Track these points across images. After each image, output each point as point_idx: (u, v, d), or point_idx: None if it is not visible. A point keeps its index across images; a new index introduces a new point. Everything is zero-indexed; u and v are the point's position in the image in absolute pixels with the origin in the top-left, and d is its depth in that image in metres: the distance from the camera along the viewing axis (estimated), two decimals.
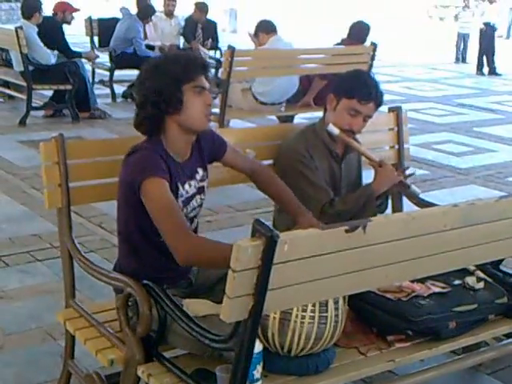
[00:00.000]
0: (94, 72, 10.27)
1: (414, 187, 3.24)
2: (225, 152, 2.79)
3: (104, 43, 10.29)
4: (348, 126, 3.08)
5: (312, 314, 2.28)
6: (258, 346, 2.17)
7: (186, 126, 2.55)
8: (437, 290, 2.72)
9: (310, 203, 2.92)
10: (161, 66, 2.51)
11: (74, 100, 8.44)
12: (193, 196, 2.63)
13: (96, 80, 10.27)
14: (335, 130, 3.09)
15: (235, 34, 20.88)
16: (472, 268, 2.90)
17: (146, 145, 2.54)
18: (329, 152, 3.16)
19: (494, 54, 14.87)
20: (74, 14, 9.13)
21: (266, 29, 7.09)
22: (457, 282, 2.80)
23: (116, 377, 2.59)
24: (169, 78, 2.48)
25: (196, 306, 2.43)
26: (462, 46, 16.72)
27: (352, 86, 3.09)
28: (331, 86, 3.27)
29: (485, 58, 14.88)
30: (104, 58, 10.16)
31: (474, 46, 15.36)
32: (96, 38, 10.65)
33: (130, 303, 2.46)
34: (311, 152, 3.10)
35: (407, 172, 3.28)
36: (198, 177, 2.66)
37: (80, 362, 2.91)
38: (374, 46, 7.31)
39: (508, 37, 24.22)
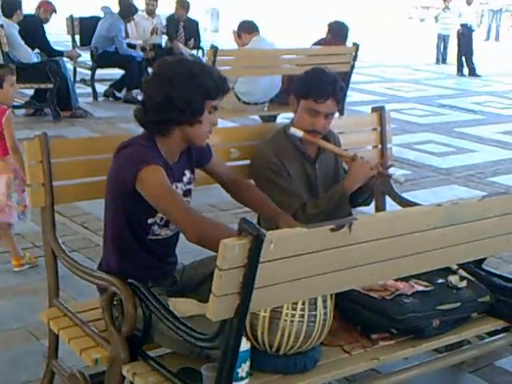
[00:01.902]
0: (75, 71, 10.22)
1: (396, 176, 3.20)
2: (210, 159, 2.80)
3: (85, 42, 10.24)
4: (311, 126, 3.05)
5: (302, 313, 2.29)
6: (245, 345, 2.17)
7: (190, 138, 2.57)
8: (420, 288, 2.74)
9: (282, 210, 2.88)
10: (197, 77, 2.48)
11: (56, 99, 8.41)
12: None
13: (77, 79, 10.21)
14: (299, 133, 3.06)
15: (217, 34, 20.87)
16: (455, 267, 2.93)
17: (140, 140, 2.54)
18: (301, 154, 3.12)
19: (472, 55, 14.97)
20: (52, 14, 9.11)
21: (248, 29, 7.09)
22: (440, 280, 2.83)
23: (100, 376, 2.58)
24: (202, 91, 2.48)
25: (182, 306, 2.43)
26: (442, 47, 16.81)
27: (307, 86, 3.06)
28: (291, 88, 3.24)
29: (464, 59, 14.98)
30: (85, 56, 10.12)
31: (454, 47, 15.45)
32: (77, 37, 10.59)
33: (115, 302, 2.45)
34: (281, 156, 3.06)
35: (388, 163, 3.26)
36: (186, 179, 2.66)
37: (64, 361, 2.90)
38: (356, 46, 7.34)
39: (488, 38, 24.39)
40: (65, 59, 9.05)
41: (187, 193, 2.68)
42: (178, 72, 2.48)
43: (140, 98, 2.60)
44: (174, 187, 2.58)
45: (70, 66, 9.63)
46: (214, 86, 2.50)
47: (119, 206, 2.53)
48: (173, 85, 2.45)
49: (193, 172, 2.71)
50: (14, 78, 4.35)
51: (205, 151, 2.76)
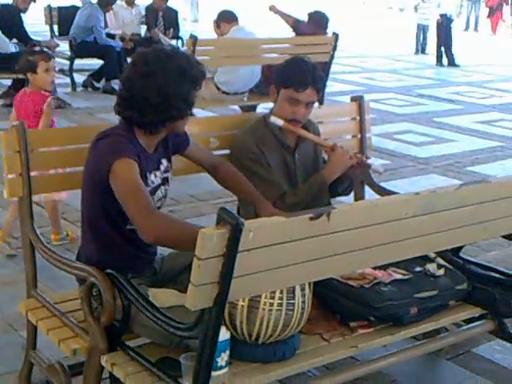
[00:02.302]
0: None
1: (375, 166, 3.21)
2: (188, 145, 2.80)
3: (64, 32, 10.16)
4: (291, 115, 3.06)
5: (280, 302, 2.30)
6: (224, 334, 2.18)
7: (176, 129, 2.59)
8: (398, 276, 2.76)
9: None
10: (188, 72, 2.48)
11: None
12: (158, 186, 2.63)
13: (56, 69, 10.12)
14: (279, 122, 3.07)
15: (197, 24, 20.77)
16: (433, 255, 2.95)
17: (118, 131, 2.53)
18: (280, 144, 3.13)
19: (451, 45, 15.03)
20: (30, 3, 9.01)
21: (227, 18, 7.08)
22: (418, 268, 2.85)
23: (79, 367, 2.57)
24: (193, 85, 2.50)
25: (162, 296, 2.43)
26: (421, 37, 16.86)
27: (287, 75, 3.07)
28: (271, 77, 3.25)
29: (443, 49, 15.05)
30: (64, 46, 10.03)
31: (433, 37, 15.51)
32: (56, 27, 10.50)
33: (94, 293, 2.45)
34: (261, 146, 3.07)
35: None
36: (163, 168, 2.66)
37: (42, 352, 2.89)
38: (336, 36, 7.35)
39: (467, 28, 24.50)
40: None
41: (165, 181, 2.68)
42: (170, 69, 2.46)
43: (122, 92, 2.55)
44: (153, 175, 2.58)
45: None
46: (201, 76, 2.53)
47: (96, 196, 2.52)
48: (169, 84, 2.45)
49: (169, 160, 2.71)
50: (50, 63, 4.44)
51: (181, 138, 2.76)
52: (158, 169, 2.63)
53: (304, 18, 8.07)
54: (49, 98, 4.30)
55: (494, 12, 23.15)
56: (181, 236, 2.23)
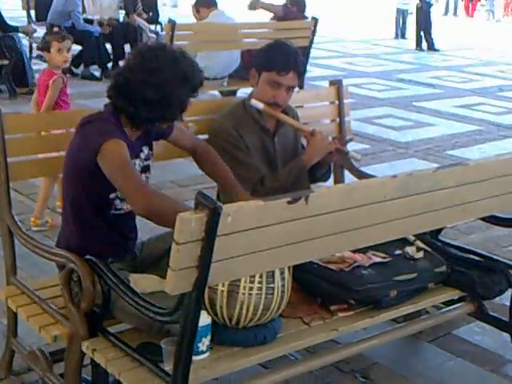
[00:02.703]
0: (31, 47, 10.01)
1: (352, 153, 3.22)
2: (171, 131, 2.78)
3: (41, 17, 10.05)
4: (272, 98, 3.05)
5: (259, 286, 2.30)
6: (205, 319, 2.18)
7: (160, 127, 2.63)
8: (378, 259, 2.78)
9: (241, 183, 2.90)
10: (190, 80, 2.50)
11: (11, 75, 8.26)
12: (140, 173, 2.61)
13: (34, 55, 10.03)
14: (259, 105, 3.06)
15: (176, 9, 20.66)
16: (412, 238, 2.97)
17: (105, 116, 2.53)
18: (259, 128, 3.12)
19: (430, 30, 15.07)
20: None
21: (206, 3, 7.05)
22: (397, 251, 2.87)
23: (60, 353, 2.57)
24: (192, 92, 2.54)
25: (143, 282, 2.43)
26: (401, 22, 16.88)
27: (270, 58, 3.06)
28: (252, 61, 3.25)
29: (423, 34, 15.08)
30: (41, 32, 9.90)
31: (413, 22, 15.54)
32: (33, 12, 10.39)
33: (75, 278, 2.44)
34: (240, 129, 3.06)
35: (346, 139, 3.28)
36: (143, 155, 2.65)
37: (23, 340, 2.88)
38: (315, 20, 7.34)
39: (446, 13, 24.55)
40: (20, 35, 8.86)
41: (145, 169, 2.66)
42: (175, 72, 2.46)
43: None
44: (135, 162, 2.58)
45: (25, 41, 9.45)
46: (199, 84, 2.55)
47: (80, 181, 2.51)
48: (169, 86, 2.45)
49: (151, 148, 2.70)
50: (63, 44, 4.70)
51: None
52: (137, 157, 2.61)
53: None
54: (54, 76, 4.57)
55: None
56: (172, 211, 2.22)
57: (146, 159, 2.67)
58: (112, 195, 2.54)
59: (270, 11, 7.94)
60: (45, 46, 4.76)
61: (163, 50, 2.51)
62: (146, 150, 2.66)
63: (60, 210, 4.41)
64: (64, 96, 4.62)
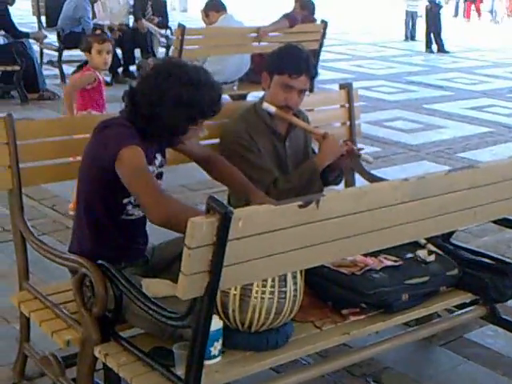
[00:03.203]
0: (42, 52, 10.07)
1: (365, 155, 3.21)
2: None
3: (52, 23, 10.09)
4: (284, 101, 3.06)
5: (272, 290, 2.30)
6: (217, 323, 2.18)
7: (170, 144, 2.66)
8: (389, 263, 2.77)
9: (254, 186, 2.89)
10: (186, 105, 2.46)
11: (23, 81, 8.29)
12: None
13: (44, 60, 10.07)
14: (271, 108, 3.07)
15: (186, 13, 20.70)
16: (423, 241, 2.96)
17: (121, 121, 2.53)
18: (271, 131, 3.13)
19: (440, 32, 15.04)
20: None
21: (215, 7, 7.06)
22: (409, 255, 2.86)
23: (73, 358, 2.58)
24: (187, 118, 2.49)
25: (155, 287, 2.43)
26: (410, 24, 16.86)
27: (281, 61, 3.07)
28: (264, 64, 3.25)
29: (433, 36, 15.05)
30: (52, 37, 9.97)
31: (422, 24, 15.50)
32: (43, 18, 10.43)
33: (87, 283, 2.44)
34: (252, 133, 3.07)
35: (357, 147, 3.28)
36: (157, 162, 2.66)
37: (36, 344, 2.89)
38: (325, 23, 7.35)
39: (456, 15, 24.49)
40: (31, 41, 8.91)
41: (159, 176, 2.67)
42: (171, 94, 2.45)
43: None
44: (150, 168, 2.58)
45: (36, 47, 9.49)
46: (201, 112, 2.51)
47: (95, 185, 2.53)
48: (162, 103, 2.45)
49: (163, 155, 2.71)
50: (103, 46, 4.86)
51: None
52: (151, 163, 2.62)
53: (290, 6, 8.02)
54: (88, 72, 4.82)
55: None
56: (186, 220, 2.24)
57: (160, 166, 2.68)
58: (125, 200, 2.54)
59: (278, 30, 7.70)
60: (86, 47, 4.89)
61: (174, 71, 2.50)
62: (159, 157, 2.67)
63: (71, 213, 4.50)
64: (97, 95, 4.78)
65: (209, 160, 2.90)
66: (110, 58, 4.95)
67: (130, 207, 2.57)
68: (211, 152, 2.98)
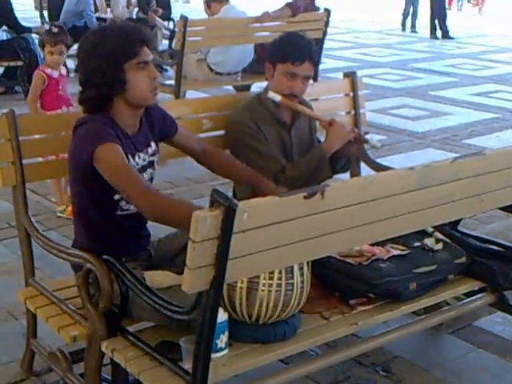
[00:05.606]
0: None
1: (373, 141, 3.17)
2: (176, 131, 2.76)
3: (54, 17, 10.05)
4: (288, 90, 3.05)
5: (279, 282, 2.28)
6: (222, 316, 2.17)
7: (134, 103, 2.51)
8: (396, 252, 2.75)
9: (262, 174, 2.89)
10: (99, 46, 2.42)
11: (26, 76, 8.27)
12: (143, 168, 2.60)
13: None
14: (277, 97, 3.06)
15: (188, 4, 20.65)
16: (430, 230, 2.94)
17: (94, 116, 2.50)
18: (276, 121, 3.12)
19: (445, 18, 14.96)
20: None
21: None
22: (416, 243, 2.84)
23: (80, 353, 2.57)
24: (109, 59, 2.41)
25: (158, 278, 2.42)
26: (411, 12, 16.71)
27: (284, 49, 3.06)
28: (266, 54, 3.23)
29: (437, 22, 14.97)
30: None
31: (427, 10, 15.43)
32: (46, 12, 10.41)
33: (90, 280, 2.43)
34: (258, 122, 3.06)
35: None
36: (150, 150, 2.63)
37: (43, 340, 2.89)
38: (328, 12, 7.30)
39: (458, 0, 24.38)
40: (33, 36, 8.89)
41: (151, 164, 2.65)
42: (85, 49, 2.48)
43: None
44: (136, 157, 2.55)
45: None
46: (121, 47, 2.43)
47: (82, 184, 2.51)
48: (83, 62, 2.47)
49: (157, 144, 2.68)
50: (55, 48, 4.83)
51: (168, 123, 2.74)
52: (142, 151, 2.59)
53: None
54: (40, 71, 4.85)
55: None
56: (179, 213, 2.23)
57: (153, 154, 2.65)
58: (116, 197, 2.52)
59: (280, 19, 7.63)
60: (40, 44, 4.94)
61: (89, 34, 2.52)
62: (153, 145, 2.65)
63: (58, 214, 4.67)
64: (53, 93, 4.80)
65: (209, 154, 2.87)
66: (62, 59, 4.92)
67: (123, 203, 2.54)
68: (210, 146, 2.95)
